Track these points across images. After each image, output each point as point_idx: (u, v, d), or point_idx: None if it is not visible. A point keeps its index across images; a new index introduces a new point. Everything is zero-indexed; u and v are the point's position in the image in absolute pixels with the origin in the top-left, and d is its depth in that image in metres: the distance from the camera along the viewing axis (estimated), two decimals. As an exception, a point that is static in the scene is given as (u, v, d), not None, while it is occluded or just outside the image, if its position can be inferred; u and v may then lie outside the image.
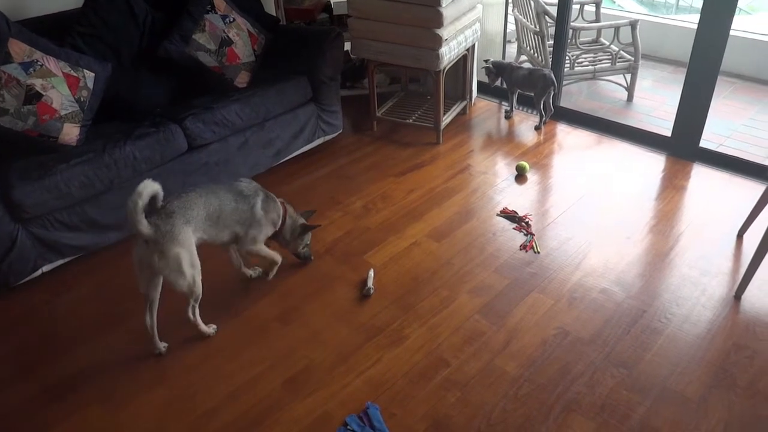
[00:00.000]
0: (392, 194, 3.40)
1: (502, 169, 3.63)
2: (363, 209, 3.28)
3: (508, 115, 4.24)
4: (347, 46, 3.89)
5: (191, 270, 2.30)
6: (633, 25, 4.26)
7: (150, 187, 2.12)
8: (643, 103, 4.50)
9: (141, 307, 2.30)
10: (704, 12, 3.23)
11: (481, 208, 3.26)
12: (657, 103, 4.50)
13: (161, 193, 2.20)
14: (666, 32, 5.33)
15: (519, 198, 3.32)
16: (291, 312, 2.61)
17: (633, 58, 4.36)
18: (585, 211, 3.19)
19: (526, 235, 3.02)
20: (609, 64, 4.42)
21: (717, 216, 3.10)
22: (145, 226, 2.12)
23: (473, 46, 4.09)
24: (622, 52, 4.43)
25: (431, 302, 2.63)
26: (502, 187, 3.43)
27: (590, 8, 4.92)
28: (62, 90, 2.79)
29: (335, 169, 3.69)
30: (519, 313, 2.55)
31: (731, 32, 3.22)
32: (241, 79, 3.38)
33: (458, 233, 3.06)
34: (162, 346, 2.43)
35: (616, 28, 4.35)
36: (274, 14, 4.08)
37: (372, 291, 2.68)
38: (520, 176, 3.52)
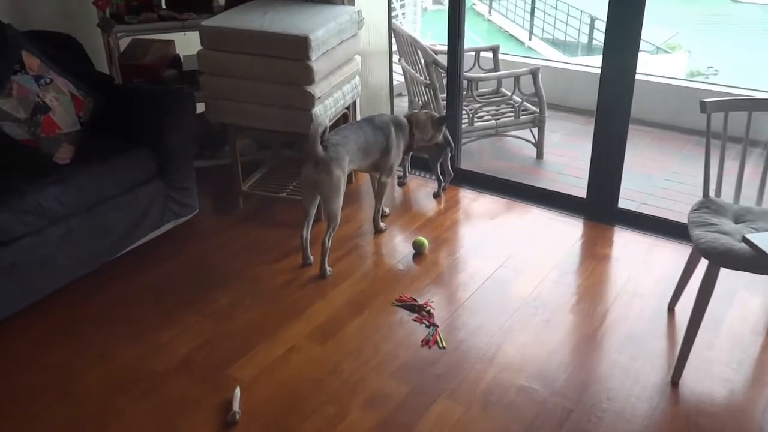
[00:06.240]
0: (264, 287, 3.32)
1: (398, 246, 3.65)
2: (228, 308, 3.16)
3: (402, 182, 4.30)
4: (201, 107, 3.84)
5: (341, 195, 3.31)
6: (534, 73, 4.51)
7: (325, 123, 3.36)
8: (554, 159, 4.74)
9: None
10: (606, 51, 3.46)
11: (374, 296, 3.23)
12: (569, 159, 4.74)
13: (328, 129, 3.38)
14: (572, 79, 5.71)
15: (417, 281, 3.33)
16: (131, 454, 2.41)
17: (538, 110, 4.60)
18: (496, 292, 3.23)
19: (428, 326, 3.00)
20: (512, 118, 4.64)
21: (644, 288, 3.23)
22: (320, 150, 3.15)
23: (354, 102, 4.15)
24: (525, 103, 4.66)
25: (315, 423, 2.52)
26: (397, 270, 3.43)
27: (487, 54, 5.17)
28: None
29: (192, 259, 3.58)
30: (425, 428, 2.48)
31: (645, 77, 3.46)
32: (63, 154, 3.23)
33: (347, 331, 3.00)
34: (311, 258, 3.46)
35: (517, 78, 4.57)
36: (107, 72, 3.98)
37: (238, 416, 2.53)
38: (419, 254, 3.55)
